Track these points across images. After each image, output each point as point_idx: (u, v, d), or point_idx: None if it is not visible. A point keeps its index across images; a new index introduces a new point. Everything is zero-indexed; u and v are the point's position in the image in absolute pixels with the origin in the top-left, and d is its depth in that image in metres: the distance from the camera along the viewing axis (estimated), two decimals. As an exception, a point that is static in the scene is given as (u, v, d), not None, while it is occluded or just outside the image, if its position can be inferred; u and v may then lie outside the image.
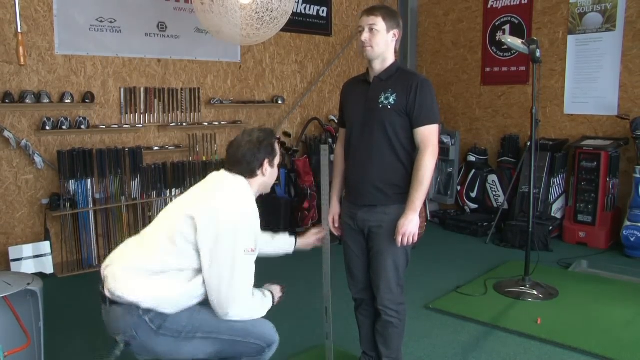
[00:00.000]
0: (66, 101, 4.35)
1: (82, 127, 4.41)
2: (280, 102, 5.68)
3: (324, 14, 6.06)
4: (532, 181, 3.85)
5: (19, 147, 4.19)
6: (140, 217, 4.66)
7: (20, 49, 3.30)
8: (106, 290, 1.91)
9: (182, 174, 4.82)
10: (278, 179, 5.44)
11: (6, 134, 4.11)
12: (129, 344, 1.90)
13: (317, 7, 5.97)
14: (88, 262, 4.40)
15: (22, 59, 3.32)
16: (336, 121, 5.80)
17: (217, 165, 5.03)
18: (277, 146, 2.15)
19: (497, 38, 5.92)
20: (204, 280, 1.93)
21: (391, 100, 2.27)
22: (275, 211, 5.12)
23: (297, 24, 5.67)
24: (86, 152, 4.36)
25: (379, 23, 2.26)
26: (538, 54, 3.74)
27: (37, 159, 4.23)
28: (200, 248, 1.90)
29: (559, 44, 5.49)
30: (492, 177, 5.80)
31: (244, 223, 1.94)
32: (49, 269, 4.22)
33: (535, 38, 3.85)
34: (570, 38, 5.40)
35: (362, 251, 2.44)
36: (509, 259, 4.60)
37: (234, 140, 2.11)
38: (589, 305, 3.58)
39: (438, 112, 2.32)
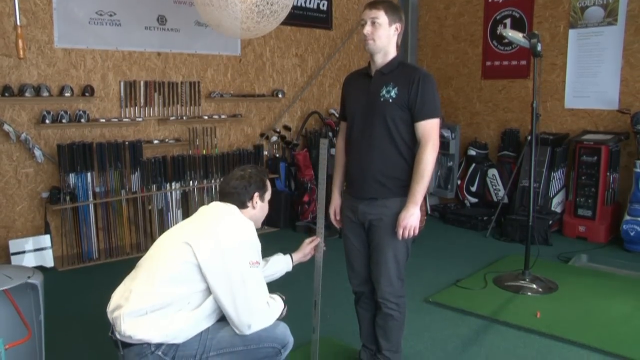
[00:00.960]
0: (66, 95, 4.34)
1: (82, 120, 4.40)
2: (280, 95, 5.67)
3: (325, 8, 6.04)
4: (532, 175, 3.85)
5: (19, 140, 4.19)
6: (140, 210, 4.66)
7: (20, 42, 3.30)
8: (117, 336, 1.93)
9: (182, 168, 4.82)
10: (278, 172, 5.52)
11: (6, 127, 4.10)
12: None
13: (317, 1, 5.95)
14: (88, 255, 4.41)
15: (21, 52, 3.31)
16: (336, 115, 5.80)
17: (217, 159, 5.05)
18: (268, 183, 2.23)
19: (498, 32, 5.90)
20: (215, 303, 1.96)
21: (392, 94, 2.27)
22: (275, 205, 5.12)
23: (297, 17, 5.65)
24: (86, 145, 4.36)
25: (381, 16, 2.25)
26: (539, 48, 3.73)
27: (37, 152, 4.23)
28: (207, 272, 1.92)
29: (560, 38, 5.47)
30: (492, 171, 5.80)
31: (244, 238, 2.00)
32: (49, 262, 4.23)
33: (536, 32, 3.83)
34: (571, 32, 5.39)
35: (362, 244, 2.45)
36: (509, 253, 4.60)
37: (226, 175, 2.20)
38: (588, 299, 3.59)
39: (439, 107, 2.32)
